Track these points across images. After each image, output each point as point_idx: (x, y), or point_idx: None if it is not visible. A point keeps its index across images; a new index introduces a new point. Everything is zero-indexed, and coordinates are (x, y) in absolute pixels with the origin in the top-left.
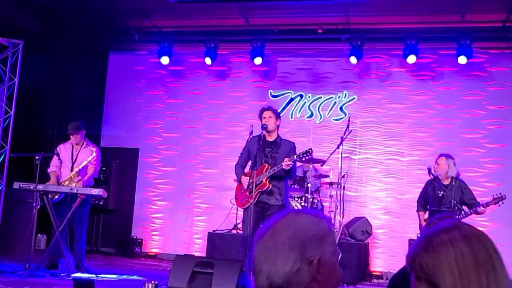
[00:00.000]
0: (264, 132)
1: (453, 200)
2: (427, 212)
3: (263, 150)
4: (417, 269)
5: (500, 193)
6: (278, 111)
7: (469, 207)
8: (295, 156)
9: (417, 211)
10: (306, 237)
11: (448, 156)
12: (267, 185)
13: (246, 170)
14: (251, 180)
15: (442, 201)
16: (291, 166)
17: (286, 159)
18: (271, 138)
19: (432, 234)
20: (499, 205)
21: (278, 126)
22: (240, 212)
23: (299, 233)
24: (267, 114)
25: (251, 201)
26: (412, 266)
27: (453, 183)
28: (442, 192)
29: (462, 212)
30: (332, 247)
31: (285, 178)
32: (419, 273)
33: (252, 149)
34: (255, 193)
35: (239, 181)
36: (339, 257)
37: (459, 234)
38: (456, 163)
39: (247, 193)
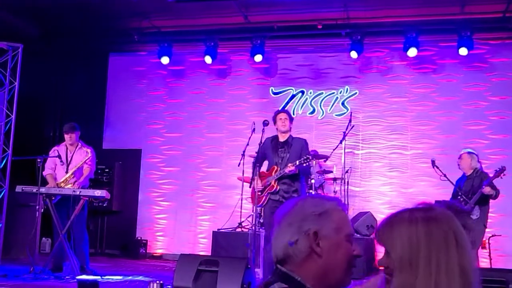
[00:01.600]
0: (277, 133)
1: (471, 188)
2: None
3: (276, 151)
4: (377, 238)
5: (501, 166)
6: (280, 108)
7: None
8: (297, 162)
9: None
10: (305, 212)
11: (471, 152)
12: (275, 187)
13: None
14: (262, 180)
15: (462, 189)
16: (293, 170)
17: (289, 165)
18: (283, 138)
19: (398, 212)
20: (502, 177)
21: (290, 128)
22: (245, 210)
23: (300, 210)
24: (283, 115)
25: (262, 200)
26: (375, 236)
27: (474, 174)
28: (463, 183)
29: (471, 201)
30: (334, 224)
31: (300, 176)
32: (378, 241)
33: (266, 150)
34: (266, 194)
35: (252, 179)
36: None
37: (421, 216)
38: None
39: (259, 193)
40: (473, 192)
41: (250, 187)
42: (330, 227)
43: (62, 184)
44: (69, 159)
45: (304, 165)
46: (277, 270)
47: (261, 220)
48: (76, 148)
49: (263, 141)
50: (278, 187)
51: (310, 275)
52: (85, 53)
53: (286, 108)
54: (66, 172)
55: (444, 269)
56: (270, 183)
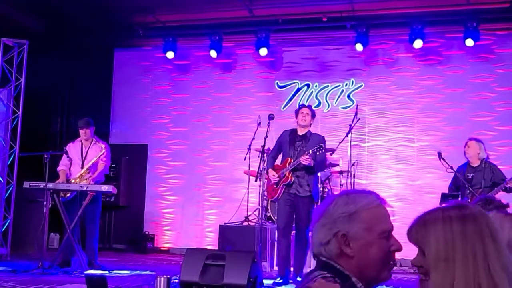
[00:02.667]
0: (297, 126)
1: (483, 181)
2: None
3: (293, 144)
4: (410, 237)
5: None
6: (286, 101)
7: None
8: (310, 151)
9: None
10: (335, 214)
11: (478, 140)
12: (290, 178)
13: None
14: (277, 173)
15: (472, 182)
16: (308, 162)
17: (305, 153)
18: (302, 132)
19: (431, 210)
20: None
21: (311, 124)
22: (251, 204)
23: (331, 211)
24: (305, 110)
25: (277, 193)
26: (408, 235)
27: (483, 165)
28: (472, 174)
29: (491, 192)
30: (365, 224)
31: (314, 170)
32: (412, 241)
33: (283, 142)
34: (281, 186)
35: (267, 172)
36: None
37: (456, 214)
38: None
39: (274, 186)
40: (485, 185)
41: (256, 181)
42: (360, 228)
43: (78, 180)
44: (84, 154)
45: (318, 153)
46: (318, 261)
47: (268, 214)
48: (91, 143)
49: (281, 133)
50: (293, 179)
51: (347, 270)
52: (90, 49)
53: (288, 99)
54: (82, 168)
55: (482, 266)
56: (285, 174)
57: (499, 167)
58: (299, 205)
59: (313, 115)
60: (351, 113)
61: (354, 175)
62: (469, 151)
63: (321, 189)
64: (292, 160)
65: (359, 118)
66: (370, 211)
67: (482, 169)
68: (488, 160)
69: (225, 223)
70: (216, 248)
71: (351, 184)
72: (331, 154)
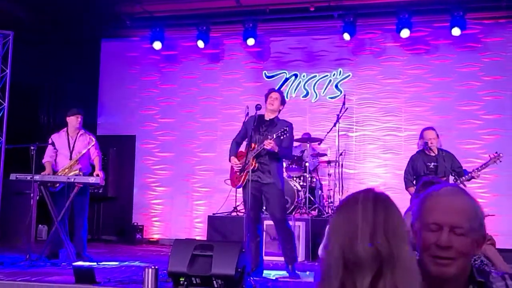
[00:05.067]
0: (263, 111)
1: (445, 169)
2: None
3: (259, 129)
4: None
5: (496, 152)
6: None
7: (458, 175)
8: (274, 135)
9: (407, 188)
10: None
11: (434, 128)
12: (254, 165)
13: (242, 148)
14: (240, 160)
15: (437, 171)
16: (271, 146)
17: (268, 137)
18: (269, 117)
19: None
20: (497, 163)
21: (279, 110)
22: (239, 194)
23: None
24: (274, 95)
25: (241, 181)
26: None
27: (441, 153)
28: (433, 163)
29: (457, 181)
30: (419, 213)
31: (277, 157)
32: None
33: (248, 127)
34: (245, 173)
35: (229, 159)
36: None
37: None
38: (454, 136)
39: (238, 173)
40: (447, 174)
41: (240, 173)
42: (416, 217)
43: (66, 171)
44: (71, 145)
45: (282, 138)
46: None
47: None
48: (77, 134)
49: (247, 118)
50: (257, 165)
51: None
52: (77, 39)
53: (277, 89)
54: (70, 159)
55: None
56: (249, 161)
57: (485, 156)
58: (267, 195)
59: (282, 101)
60: (339, 103)
61: (342, 164)
62: (435, 142)
63: (309, 179)
64: (256, 146)
65: (347, 108)
66: (425, 202)
67: (442, 157)
68: (441, 147)
69: (213, 214)
70: (205, 238)
71: (339, 174)
72: (319, 144)
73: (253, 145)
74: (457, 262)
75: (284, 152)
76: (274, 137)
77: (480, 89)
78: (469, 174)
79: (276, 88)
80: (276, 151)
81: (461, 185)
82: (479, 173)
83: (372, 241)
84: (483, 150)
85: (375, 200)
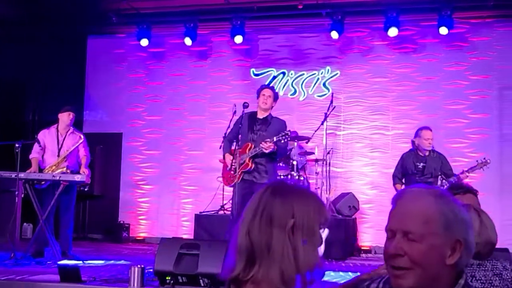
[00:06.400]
0: (255, 108)
1: (434, 170)
2: (404, 185)
3: (253, 127)
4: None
5: (484, 158)
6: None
7: (447, 177)
8: (274, 138)
9: (394, 184)
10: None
11: (431, 129)
12: (250, 165)
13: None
14: (234, 160)
15: (424, 172)
16: (271, 148)
17: (266, 140)
18: (262, 115)
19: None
20: (483, 170)
21: (272, 107)
22: (227, 192)
23: None
24: (267, 92)
25: (235, 180)
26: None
27: (432, 154)
28: (422, 164)
29: (444, 181)
30: None
31: (273, 157)
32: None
33: (242, 125)
34: (239, 173)
35: (223, 156)
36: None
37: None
38: (441, 135)
39: (232, 172)
40: (435, 175)
41: (229, 169)
42: None
43: (54, 168)
44: (60, 142)
45: (282, 142)
46: None
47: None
48: (67, 132)
49: (240, 115)
50: (253, 166)
51: None
52: (63, 36)
53: (270, 85)
54: (58, 157)
55: None
56: (245, 161)
57: (471, 154)
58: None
59: (275, 98)
60: (327, 101)
61: (329, 163)
62: (432, 143)
63: (297, 177)
64: (253, 146)
65: (335, 106)
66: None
67: (432, 158)
68: (434, 148)
69: (200, 212)
70: (192, 237)
71: (326, 172)
72: (306, 143)
73: (249, 144)
74: (414, 273)
75: (281, 152)
76: (274, 140)
77: (467, 88)
78: (457, 176)
79: (269, 85)
80: (275, 150)
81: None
82: (467, 174)
83: (248, 230)
84: (469, 149)
85: (266, 190)
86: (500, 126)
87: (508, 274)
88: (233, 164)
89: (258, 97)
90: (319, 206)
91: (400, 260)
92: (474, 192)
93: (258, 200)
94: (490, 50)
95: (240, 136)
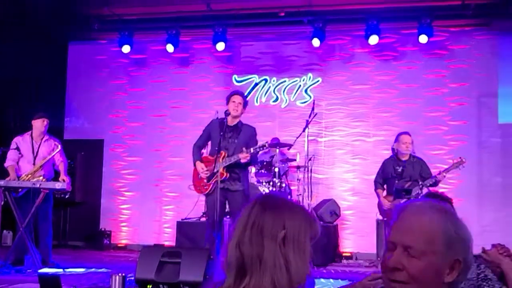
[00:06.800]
0: (226, 116)
1: (413, 174)
2: (385, 190)
3: (224, 134)
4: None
5: (460, 157)
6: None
7: (424, 180)
8: (251, 149)
9: (375, 189)
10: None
11: (410, 134)
12: (225, 174)
13: (204, 153)
14: (207, 167)
15: (402, 175)
16: (248, 159)
17: (243, 150)
18: (232, 122)
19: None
20: (460, 169)
21: (242, 114)
22: None
23: None
24: (237, 99)
25: (209, 188)
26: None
27: (412, 159)
28: (401, 168)
29: (420, 184)
30: None
31: (250, 165)
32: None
33: (212, 132)
34: (213, 181)
35: (194, 164)
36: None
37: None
38: (421, 141)
39: (205, 181)
40: (414, 179)
41: (208, 181)
42: None
43: (30, 177)
44: (35, 150)
45: (260, 152)
46: None
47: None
48: (42, 139)
49: (210, 122)
50: (228, 175)
51: None
52: (44, 42)
53: (245, 94)
54: (34, 165)
55: None
56: (219, 170)
57: (451, 161)
58: (232, 201)
59: (245, 104)
60: (308, 108)
61: (311, 169)
62: (410, 147)
63: (278, 184)
64: (226, 154)
65: (316, 113)
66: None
67: (411, 162)
68: (414, 154)
69: (182, 219)
70: (174, 244)
71: (308, 179)
72: (288, 149)
73: (222, 152)
74: None
75: (254, 161)
76: (252, 151)
77: (446, 95)
78: (434, 178)
79: (240, 91)
80: (249, 159)
81: (425, 189)
82: (444, 174)
83: (238, 242)
84: (449, 155)
85: (255, 204)
86: (478, 133)
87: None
88: (205, 171)
89: (227, 103)
90: (309, 218)
91: (398, 274)
92: (448, 200)
93: (248, 213)
94: (469, 58)
95: (210, 143)
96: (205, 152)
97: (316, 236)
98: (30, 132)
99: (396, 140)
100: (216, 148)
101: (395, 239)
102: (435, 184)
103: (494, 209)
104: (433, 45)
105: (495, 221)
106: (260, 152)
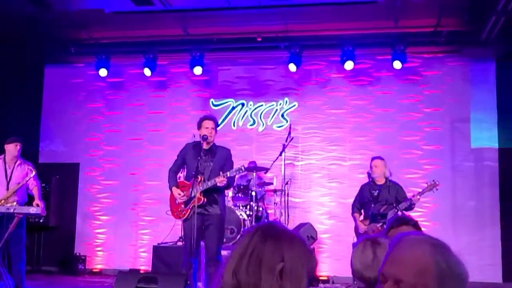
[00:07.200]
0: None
1: (388, 198)
2: (362, 215)
3: (198, 158)
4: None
5: (433, 180)
6: (220, 120)
7: (399, 203)
8: (228, 173)
9: (352, 214)
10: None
11: (382, 158)
12: (202, 199)
13: (180, 178)
14: (185, 192)
15: (378, 199)
16: (224, 183)
17: (220, 174)
18: (207, 146)
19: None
20: (434, 192)
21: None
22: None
23: None
24: (209, 124)
25: (187, 214)
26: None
27: (388, 183)
28: (377, 191)
29: (396, 208)
30: None
31: (226, 188)
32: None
33: (187, 156)
34: (190, 206)
35: (170, 189)
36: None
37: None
38: (396, 165)
39: (182, 206)
40: (389, 202)
41: (186, 207)
42: None
43: (3, 202)
44: (8, 175)
45: (237, 176)
46: None
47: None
48: (15, 164)
49: (184, 146)
50: (205, 200)
51: None
52: (19, 64)
53: (223, 118)
54: (7, 190)
55: None
56: (196, 195)
57: (425, 185)
58: (208, 224)
59: (216, 126)
60: (285, 132)
61: (288, 193)
62: (376, 170)
63: (255, 208)
64: (202, 179)
65: (293, 137)
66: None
67: (387, 187)
68: (391, 178)
69: (158, 244)
70: (150, 268)
71: (285, 202)
72: (265, 173)
73: (199, 177)
74: None
75: (231, 184)
76: (228, 175)
77: (420, 120)
78: (409, 201)
79: (209, 115)
80: (226, 184)
81: (400, 213)
82: (418, 197)
83: (235, 271)
84: (423, 179)
85: (256, 232)
86: (452, 157)
87: None
88: (182, 196)
89: (199, 128)
90: (309, 252)
91: None
92: (411, 224)
93: (247, 241)
94: (441, 84)
95: (185, 167)
96: (182, 176)
97: (313, 270)
98: (3, 156)
99: (370, 164)
100: (193, 173)
101: (386, 272)
102: (410, 207)
103: (468, 233)
104: (407, 71)
105: (470, 245)
106: (237, 176)
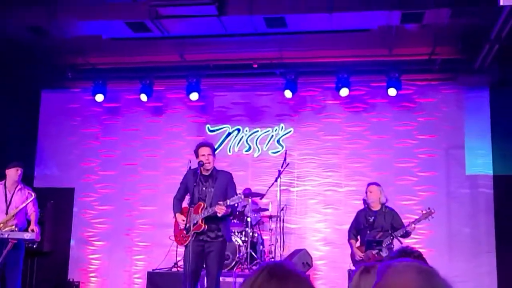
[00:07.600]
0: (200, 167)
1: (384, 224)
2: (359, 241)
3: (199, 184)
4: None
5: (429, 208)
6: (216, 145)
7: (395, 230)
8: (228, 201)
9: (349, 240)
10: None
11: (378, 184)
12: (203, 226)
13: (184, 203)
14: (187, 219)
15: (374, 225)
16: (224, 211)
17: (218, 203)
18: (207, 172)
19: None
20: (429, 220)
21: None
22: (180, 249)
23: None
24: (206, 151)
25: (188, 240)
26: None
27: (383, 210)
28: (373, 218)
29: (391, 235)
30: None
31: (226, 216)
32: None
33: (189, 183)
34: (192, 233)
35: (174, 215)
36: None
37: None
38: (392, 192)
39: (184, 232)
40: (385, 229)
41: (181, 228)
42: None
43: (1, 226)
44: (8, 200)
45: (237, 205)
46: None
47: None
48: (15, 188)
49: (185, 173)
50: (206, 227)
51: None
52: (15, 89)
53: (218, 143)
54: (6, 214)
55: None
56: (197, 222)
57: (419, 211)
58: (209, 251)
59: (214, 152)
60: (281, 158)
61: (283, 219)
62: (371, 196)
63: (251, 234)
64: (204, 205)
65: (288, 163)
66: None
67: (383, 213)
68: (386, 204)
69: (153, 270)
70: None
71: (280, 228)
72: (260, 199)
73: (201, 204)
74: None
75: (234, 212)
76: (228, 203)
77: (415, 147)
78: (404, 229)
79: (205, 142)
80: (229, 212)
81: (396, 240)
82: (414, 226)
83: None
84: (419, 206)
85: (263, 270)
86: (447, 184)
87: None
88: (186, 223)
89: (197, 156)
90: None
91: None
92: (415, 255)
93: (253, 279)
94: (436, 111)
95: (188, 194)
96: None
97: None
98: (4, 181)
99: (365, 190)
100: (193, 200)
101: None
102: (406, 235)
103: (464, 260)
104: (401, 98)
105: (466, 272)
106: (238, 203)
